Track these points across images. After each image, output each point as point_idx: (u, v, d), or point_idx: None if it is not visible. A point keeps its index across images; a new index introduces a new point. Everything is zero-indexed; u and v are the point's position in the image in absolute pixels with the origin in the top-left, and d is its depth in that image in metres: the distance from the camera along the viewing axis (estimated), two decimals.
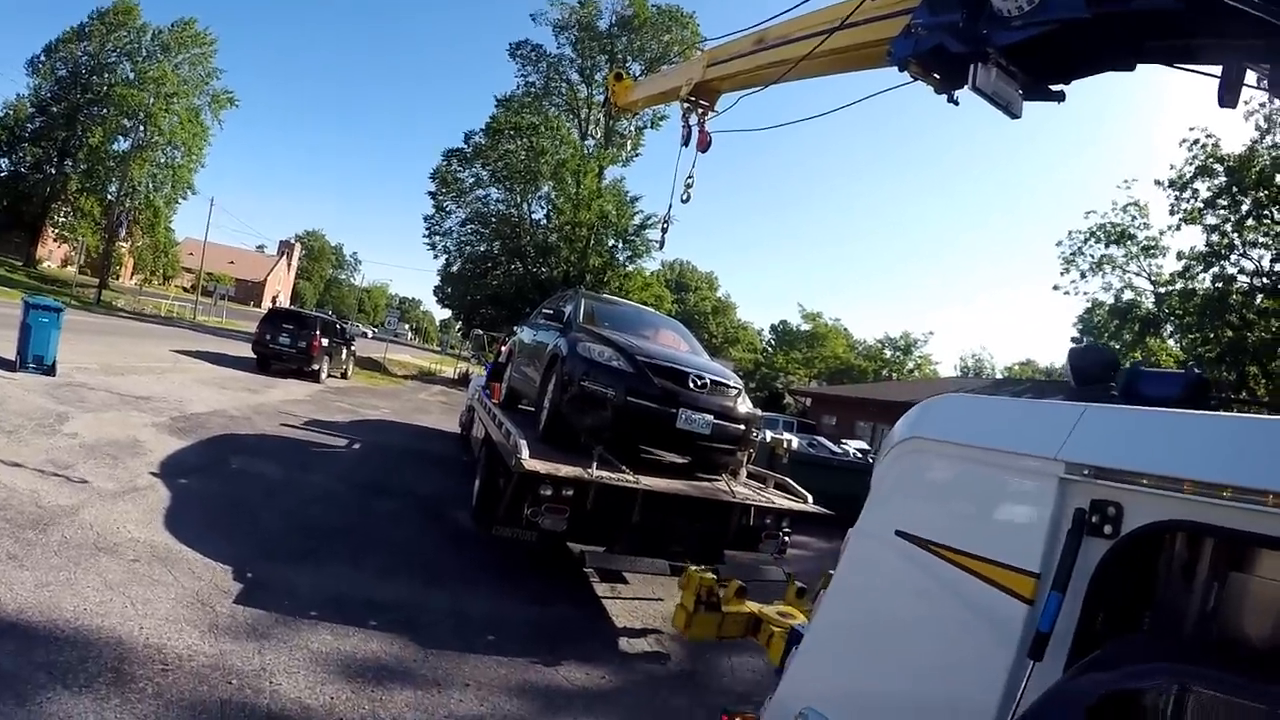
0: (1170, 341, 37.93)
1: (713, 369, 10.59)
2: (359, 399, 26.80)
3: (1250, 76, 4.27)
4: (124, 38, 62.78)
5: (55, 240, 67.42)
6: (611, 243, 52.60)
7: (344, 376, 33.03)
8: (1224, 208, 33.04)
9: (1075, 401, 2.88)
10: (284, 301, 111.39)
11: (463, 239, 55.22)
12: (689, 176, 10.45)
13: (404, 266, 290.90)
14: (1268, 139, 30.75)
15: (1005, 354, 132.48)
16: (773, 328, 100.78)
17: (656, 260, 55.74)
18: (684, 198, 10.60)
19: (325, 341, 29.04)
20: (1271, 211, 31.80)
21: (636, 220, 52.09)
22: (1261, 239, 32.73)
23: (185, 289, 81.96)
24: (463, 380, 44.36)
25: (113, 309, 50.61)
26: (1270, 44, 3.75)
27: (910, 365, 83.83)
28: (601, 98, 52.23)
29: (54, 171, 61.82)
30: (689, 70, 10.47)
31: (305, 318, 30.40)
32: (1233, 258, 33.41)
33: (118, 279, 72.51)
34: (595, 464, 8.53)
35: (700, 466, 10.13)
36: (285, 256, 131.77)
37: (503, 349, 17.58)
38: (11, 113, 61.98)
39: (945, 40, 5.01)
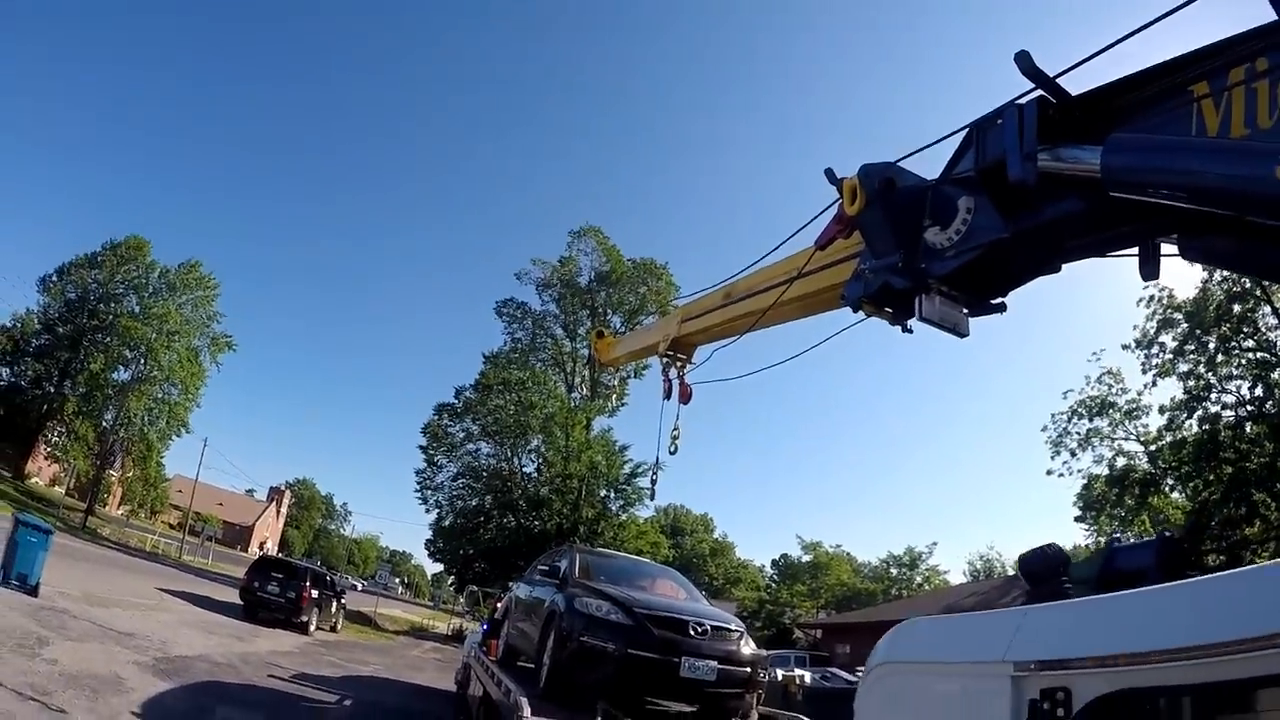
0: (1175, 495, 37.93)
1: (713, 614, 10.66)
2: (349, 653, 26.37)
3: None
4: (133, 271, 65.54)
5: (46, 458, 67.43)
6: (603, 493, 53.48)
7: (333, 629, 32.58)
8: (1193, 352, 33.76)
9: (1027, 603, 3.40)
10: (272, 549, 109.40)
11: (454, 493, 55.92)
12: (674, 428, 10.59)
13: (395, 519, 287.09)
14: (1217, 274, 31.64)
15: (1013, 548, 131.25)
16: (774, 563, 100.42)
17: (650, 507, 56.20)
18: (671, 449, 10.69)
19: (315, 593, 28.83)
20: (1237, 341, 32.68)
21: (626, 469, 53.15)
22: (1236, 371, 33.43)
23: (172, 526, 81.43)
24: (456, 637, 43.73)
25: (98, 536, 50.71)
26: (1173, 218, 4.23)
27: (918, 579, 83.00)
28: (585, 351, 54.23)
29: (53, 390, 63.12)
30: (665, 327, 10.88)
31: (295, 567, 30.31)
32: (1213, 396, 33.94)
33: (105, 506, 72.58)
34: None
35: (709, 714, 9.99)
36: (275, 503, 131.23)
37: (498, 605, 17.49)
38: (19, 325, 63.80)
39: (890, 279, 5.38)
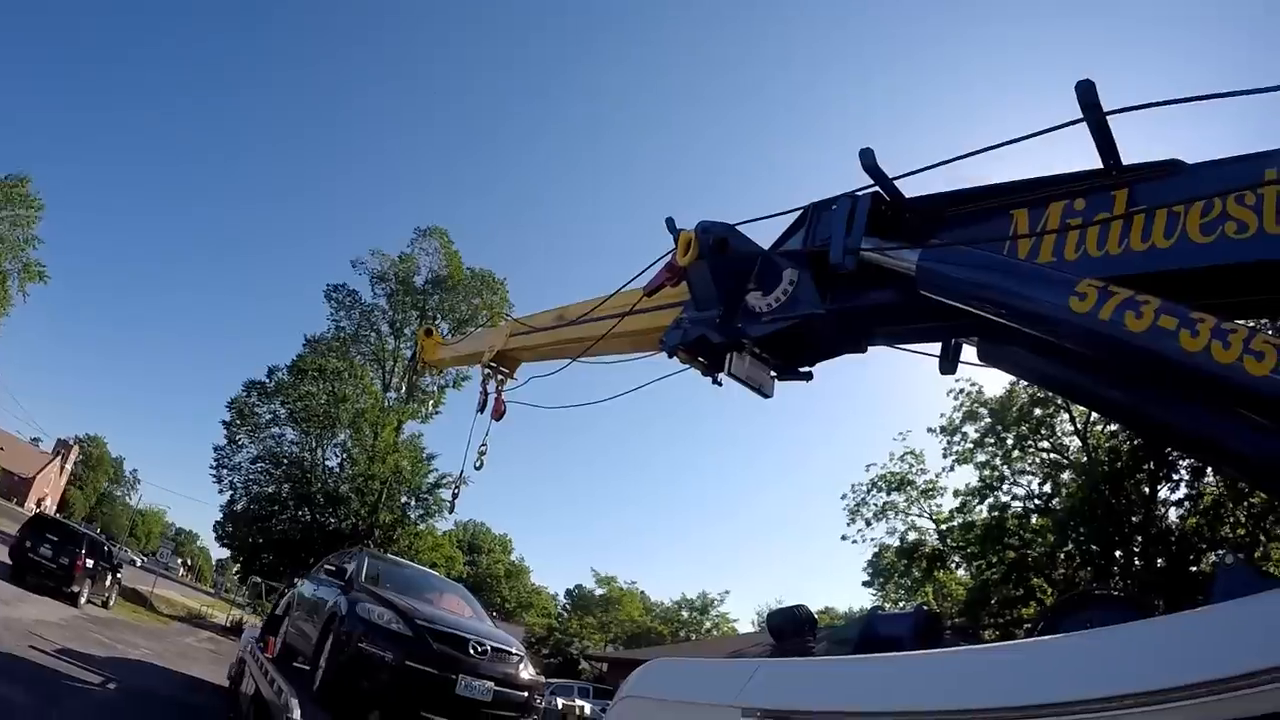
0: (960, 571, 39.61)
1: (495, 635, 10.69)
2: (119, 633, 24.70)
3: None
4: None
5: None
6: (404, 499, 52.54)
7: (105, 605, 30.35)
8: (992, 445, 35.44)
9: (767, 656, 3.77)
10: (51, 508, 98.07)
11: (251, 476, 53.45)
12: (482, 444, 10.54)
13: (185, 495, 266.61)
14: (1023, 380, 33.40)
15: (800, 603, 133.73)
16: (568, 592, 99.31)
17: (449, 521, 55.52)
18: (476, 464, 10.62)
19: (90, 563, 27.01)
20: (1034, 441, 34.52)
21: (431, 478, 52.50)
22: (1029, 467, 35.30)
23: None
24: (235, 629, 41.79)
25: None
26: (976, 322, 4.54)
27: (708, 624, 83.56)
28: (408, 352, 53.09)
29: None
30: (494, 338, 10.79)
31: (73, 531, 28.37)
32: (1005, 487, 35.64)
33: None
34: None
35: None
36: (60, 457, 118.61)
37: (281, 600, 17.08)
38: None
39: (708, 333, 5.64)
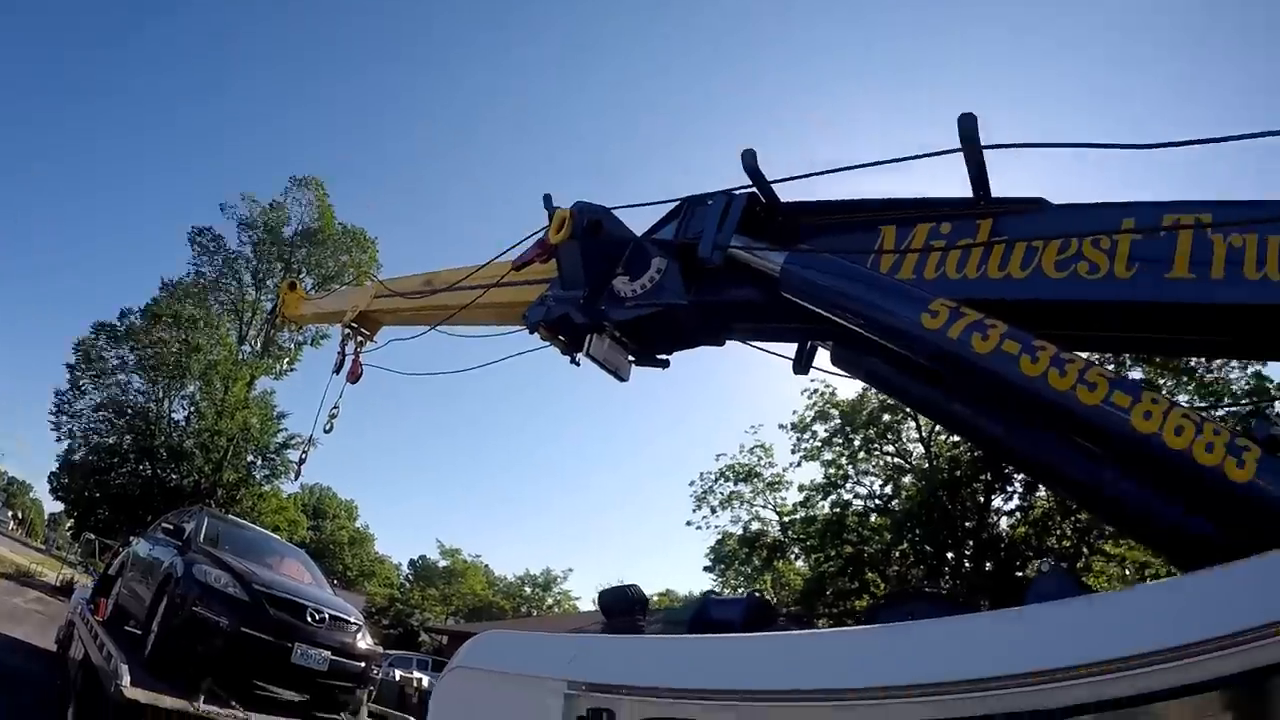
0: (799, 563, 40.73)
1: (333, 603, 10.54)
2: None
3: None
4: None
5: None
6: (250, 458, 51.11)
7: None
8: (839, 445, 36.71)
9: (598, 632, 3.99)
10: None
11: (92, 425, 50.81)
12: (335, 405, 10.34)
13: (19, 438, 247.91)
14: (873, 388, 34.37)
15: (644, 585, 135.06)
16: (411, 562, 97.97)
17: (296, 484, 54.16)
18: (327, 428, 10.41)
19: None
20: (880, 444, 35.89)
21: (279, 438, 51.31)
22: (872, 469, 36.76)
23: None
24: (66, 589, 40.01)
25: None
26: (832, 327, 4.67)
27: (550, 601, 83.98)
28: (270, 305, 51.01)
29: None
30: (358, 298, 10.58)
31: None
32: (848, 485, 36.99)
33: None
34: (203, 698, 8.11)
35: (318, 704, 9.80)
36: None
37: (114, 560, 16.51)
38: None
39: (571, 312, 5.69)
